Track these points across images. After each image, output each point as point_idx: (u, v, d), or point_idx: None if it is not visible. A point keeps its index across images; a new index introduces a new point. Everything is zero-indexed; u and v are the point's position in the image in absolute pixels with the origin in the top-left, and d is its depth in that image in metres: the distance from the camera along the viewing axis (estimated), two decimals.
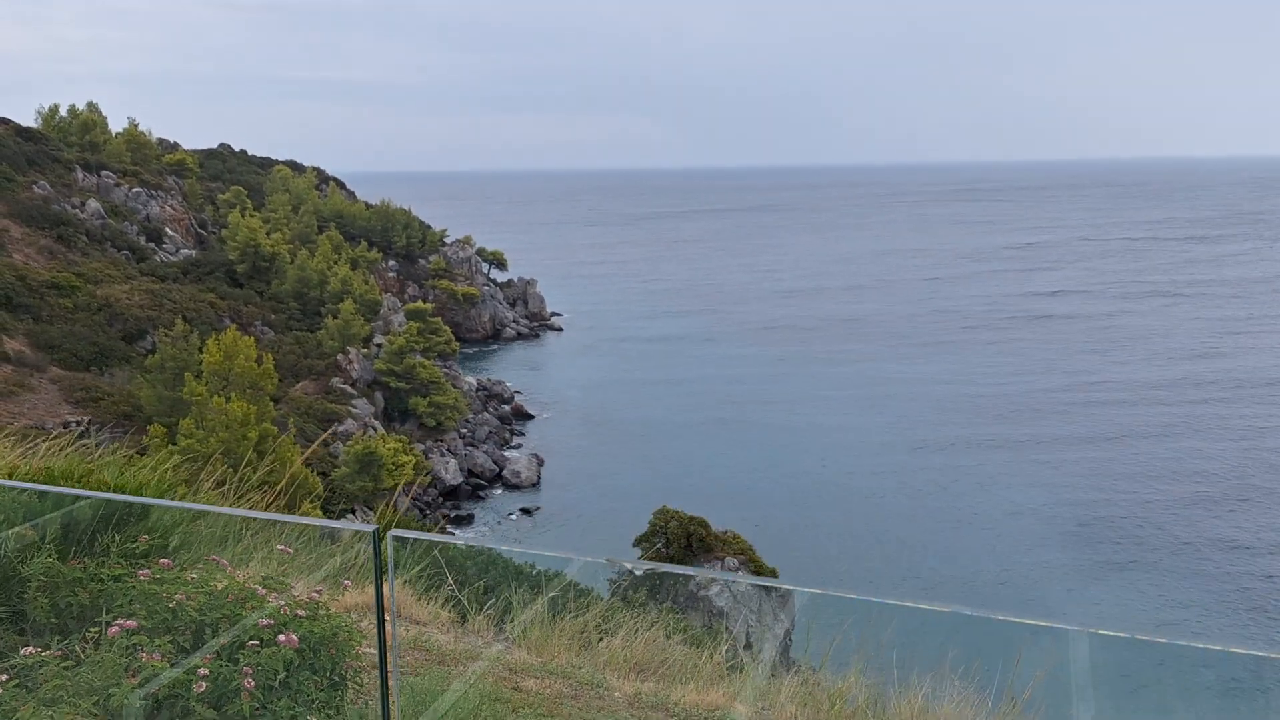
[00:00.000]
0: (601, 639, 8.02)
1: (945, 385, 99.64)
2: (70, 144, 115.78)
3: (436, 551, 17.29)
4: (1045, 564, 57.25)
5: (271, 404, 48.22)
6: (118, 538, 4.00)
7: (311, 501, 41.38)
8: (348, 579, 9.19)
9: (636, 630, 8.14)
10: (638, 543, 43.20)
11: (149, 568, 3.90)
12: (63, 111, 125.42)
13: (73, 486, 3.94)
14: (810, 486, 71.64)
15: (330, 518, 54.21)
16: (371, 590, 8.53)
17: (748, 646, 42.35)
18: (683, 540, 42.35)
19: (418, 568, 9.89)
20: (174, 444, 42.43)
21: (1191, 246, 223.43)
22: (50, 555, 3.67)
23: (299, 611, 3.82)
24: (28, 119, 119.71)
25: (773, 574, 42.69)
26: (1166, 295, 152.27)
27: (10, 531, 3.67)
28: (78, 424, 65.07)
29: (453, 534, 55.47)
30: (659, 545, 42.24)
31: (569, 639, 7.53)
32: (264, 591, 3.91)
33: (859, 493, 70.15)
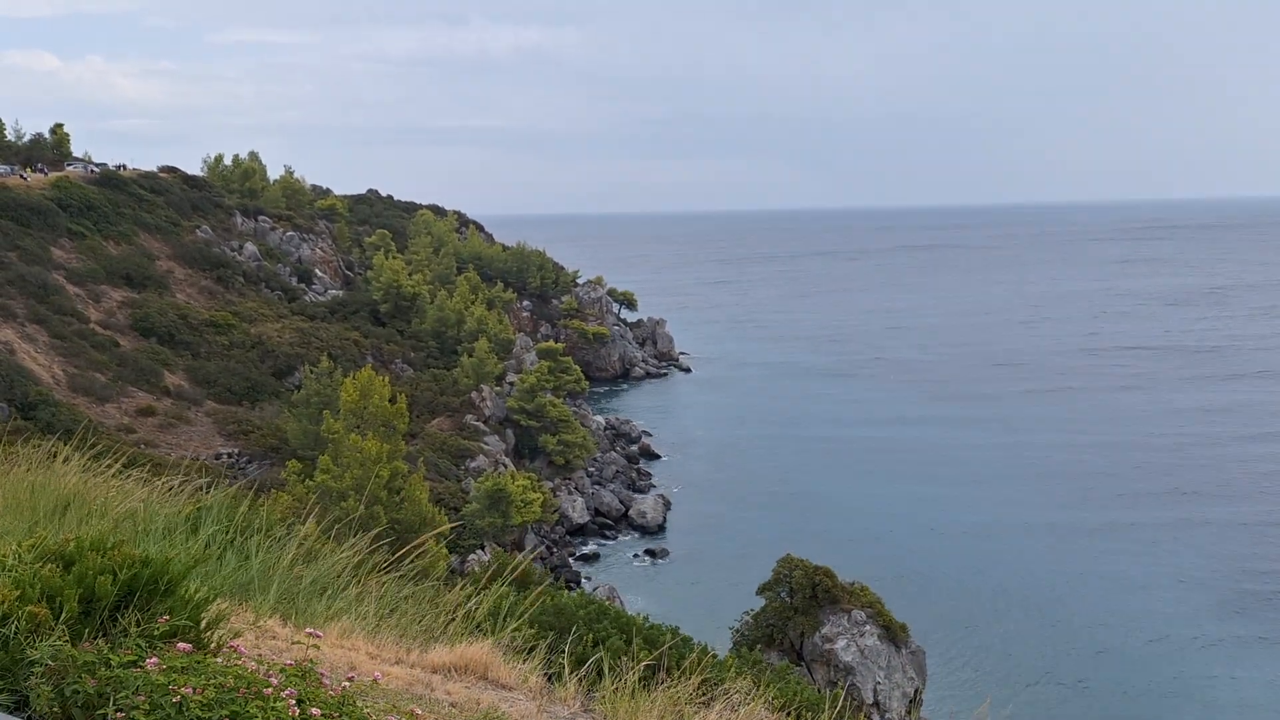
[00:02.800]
0: (697, 711, 7.58)
1: (1104, 439, 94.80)
2: (231, 190, 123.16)
3: (544, 600, 17.11)
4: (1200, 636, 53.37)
5: (403, 441, 49.47)
6: (139, 616, 3.82)
7: (437, 540, 42.03)
8: (440, 635, 8.98)
9: (738, 704, 7.65)
10: (761, 591, 42.17)
11: (167, 651, 3.70)
12: (226, 160, 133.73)
13: (97, 560, 3.78)
14: (947, 541, 68.92)
15: (459, 555, 55.11)
16: (462, 649, 8.32)
17: (875, 704, 40.66)
18: (808, 590, 41.12)
19: (516, 622, 9.58)
20: (312, 479, 43.88)
21: None
22: (62, 636, 3.52)
23: (314, 710, 3.54)
24: (194, 168, 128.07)
25: (902, 630, 40.98)
26: None
27: (24, 609, 3.54)
28: (229, 455, 68.48)
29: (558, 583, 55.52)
30: (781, 594, 41.15)
31: (660, 712, 7.12)
32: (278, 683, 3.64)
33: (1000, 551, 67.05)
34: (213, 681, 3.50)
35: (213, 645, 4.11)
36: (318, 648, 4.67)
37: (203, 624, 4.10)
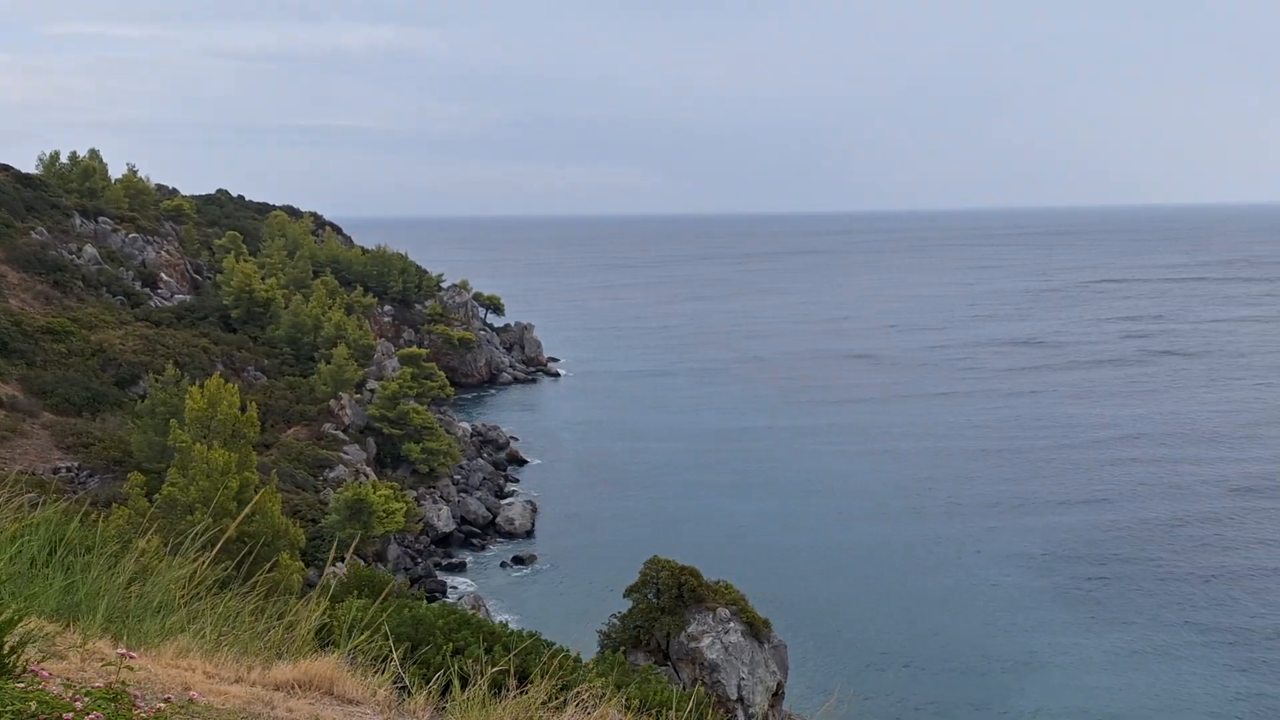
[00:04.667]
0: (550, 716, 7.52)
1: (945, 434, 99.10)
2: (69, 190, 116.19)
3: (403, 612, 16.75)
4: (1040, 621, 56.42)
5: (254, 452, 47.62)
6: None
7: (291, 553, 40.64)
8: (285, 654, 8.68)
9: (590, 707, 7.63)
10: (628, 593, 42.42)
11: None
12: (63, 158, 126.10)
13: None
14: (807, 536, 70.83)
15: (316, 569, 53.41)
16: (307, 664, 8.04)
17: (739, 700, 41.37)
18: (674, 590, 41.59)
19: (366, 634, 9.33)
20: (159, 492, 41.78)
21: (1222, 287, 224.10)
22: None
23: None
24: (29, 166, 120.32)
25: (765, 625, 41.88)
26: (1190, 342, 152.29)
27: None
28: (68, 470, 64.50)
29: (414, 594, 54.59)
30: (648, 595, 41.48)
31: (512, 718, 7.05)
32: (82, 706, 3.41)
33: (857, 543, 69.32)
34: (9, 708, 3.24)
35: (17, 669, 3.82)
36: (131, 669, 4.41)
37: (5, 647, 3.80)
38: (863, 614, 56.80)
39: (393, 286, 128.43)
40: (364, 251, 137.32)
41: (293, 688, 7.46)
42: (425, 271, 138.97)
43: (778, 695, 42.47)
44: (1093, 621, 54.71)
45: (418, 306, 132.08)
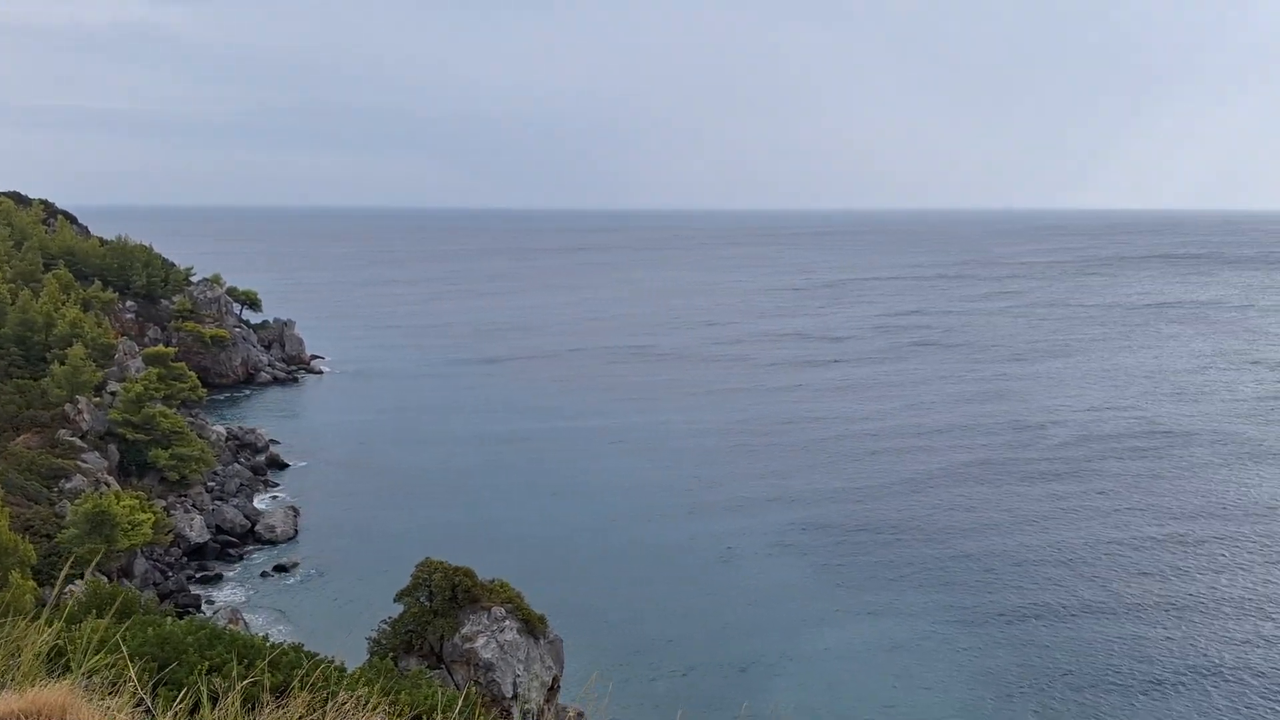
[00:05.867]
0: None
1: (716, 429, 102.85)
2: None
3: (149, 631, 15.55)
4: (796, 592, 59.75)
5: None
6: None
7: (22, 572, 36.94)
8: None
9: (350, 716, 7.40)
10: (399, 597, 41.39)
11: None
12: None
13: None
14: (584, 534, 71.61)
15: (51, 588, 48.78)
16: (35, 693, 7.34)
17: (515, 697, 41.28)
18: (447, 592, 40.97)
19: (101, 656, 8.65)
20: None
21: (957, 285, 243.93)
22: None
23: None
24: None
25: (541, 622, 42.01)
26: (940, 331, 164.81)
27: None
28: None
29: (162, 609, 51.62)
30: (420, 598, 40.65)
31: None
32: None
33: (633, 538, 70.78)
34: None
35: None
36: None
37: None
38: (636, 606, 58.08)
39: (136, 281, 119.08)
40: (102, 243, 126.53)
41: (18, 719, 6.81)
42: (173, 265, 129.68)
43: (554, 690, 42.73)
44: (849, 606, 58.40)
45: (164, 303, 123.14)
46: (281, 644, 18.00)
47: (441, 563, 42.15)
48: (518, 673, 40.98)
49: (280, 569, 65.19)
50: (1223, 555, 65.03)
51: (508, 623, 41.25)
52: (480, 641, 40.89)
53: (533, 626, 41.76)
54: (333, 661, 17.12)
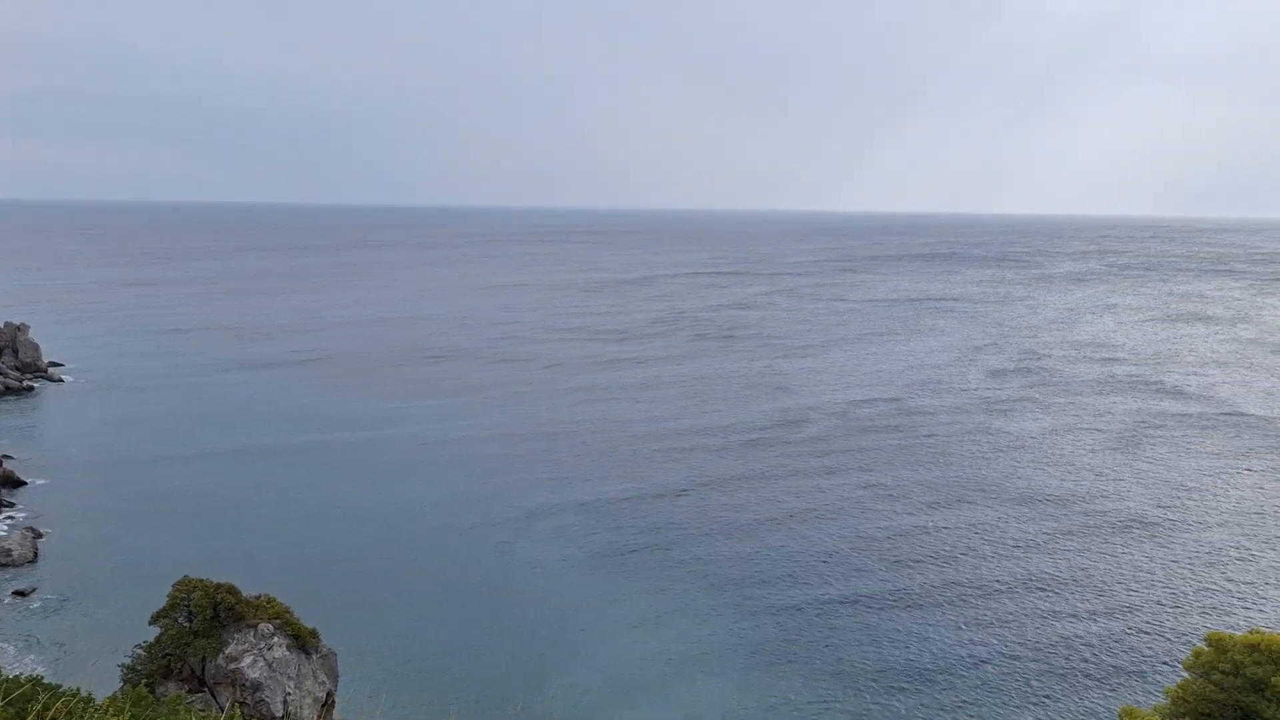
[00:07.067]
0: None
1: (499, 427, 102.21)
2: None
3: None
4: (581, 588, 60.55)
5: None
6: None
7: None
8: None
9: None
10: (155, 619, 38.74)
11: None
12: None
13: None
14: (358, 541, 69.47)
15: None
16: None
17: (286, 715, 39.69)
18: (208, 611, 38.72)
19: None
20: None
21: (732, 281, 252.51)
22: None
23: None
24: None
25: (312, 636, 40.46)
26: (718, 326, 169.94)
27: None
28: None
29: None
30: (179, 619, 38.24)
31: None
32: None
33: (411, 542, 69.33)
34: None
35: None
36: None
37: None
38: (415, 614, 57.00)
39: None
40: None
41: None
42: None
43: (328, 705, 41.27)
44: (624, 599, 59.61)
45: None
46: (16, 676, 16.70)
47: (201, 581, 39.81)
48: (288, 690, 39.33)
49: (19, 594, 59.49)
50: (964, 538, 71.10)
51: (276, 639, 39.49)
52: (246, 660, 38.96)
53: (304, 641, 40.17)
54: (78, 693, 16.05)
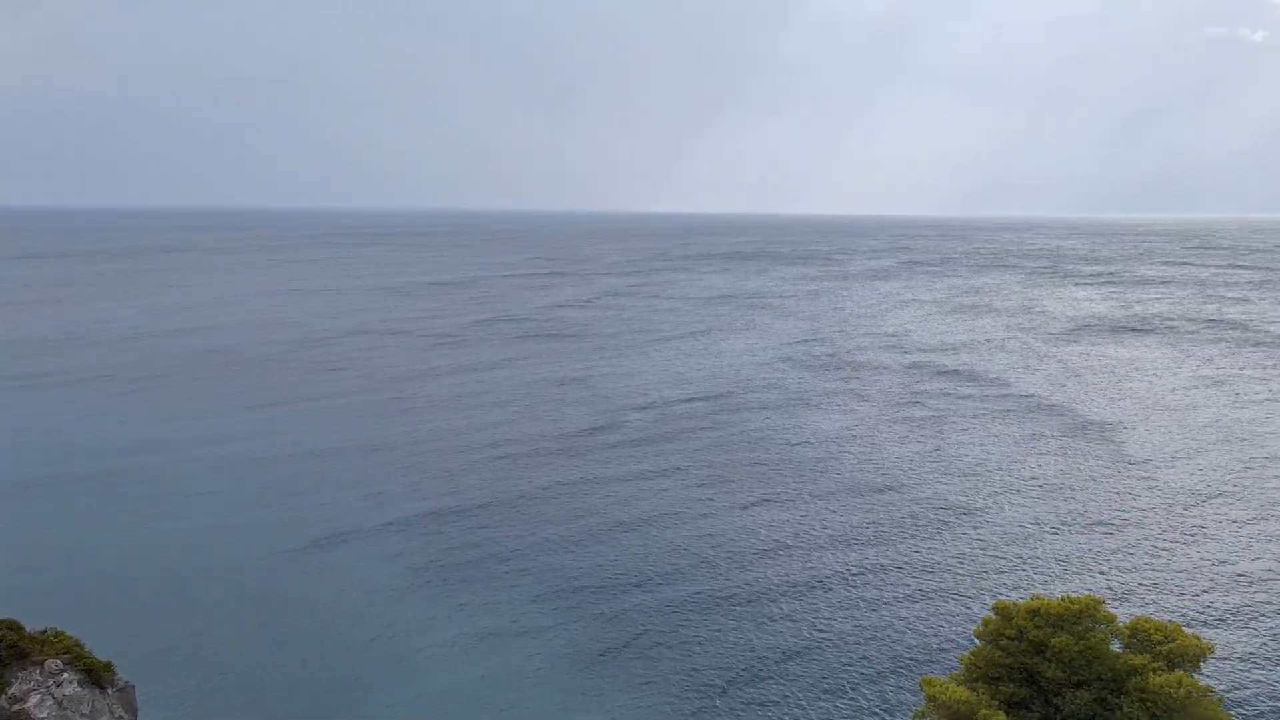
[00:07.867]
0: None
1: (301, 442, 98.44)
2: None
3: None
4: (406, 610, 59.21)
5: None
6: None
7: None
8: None
9: None
10: None
11: None
12: None
13: None
14: (150, 563, 65.35)
15: None
16: None
17: None
18: None
19: None
20: None
21: (550, 281, 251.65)
22: None
23: None
24: None
25: (106, 669, 37.77)
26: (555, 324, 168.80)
27: None
28: None
29: None
30: None
31: None
32: None
33: (214, 567, 65.80)
34: None
35: None
36: None
37: None
38: (223, 640, 54.11)
39: None
40: None
41: None
42: None
43: None
44: (445, 610, 58.50)
45: None
46: None
47: None
48: None
49: None
50: (779, 533, 73.75)
51: (66, 675, 36.65)
52: (33, 700, 36.00)
53: (97, 675, 37.43)
54: None
